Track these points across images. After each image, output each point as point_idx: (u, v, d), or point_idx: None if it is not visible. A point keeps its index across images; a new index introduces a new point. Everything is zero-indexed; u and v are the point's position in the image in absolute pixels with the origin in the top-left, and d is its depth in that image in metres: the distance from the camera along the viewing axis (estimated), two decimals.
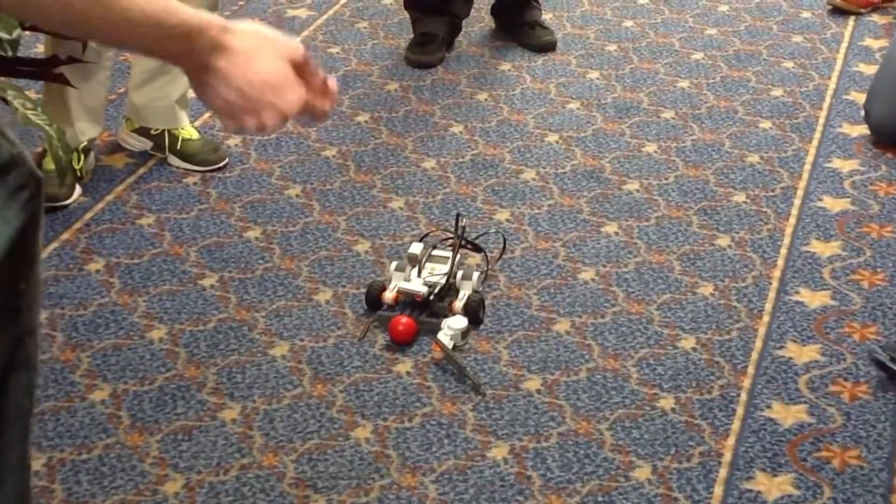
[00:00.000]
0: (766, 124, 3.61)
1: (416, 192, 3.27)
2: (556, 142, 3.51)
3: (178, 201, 3.23)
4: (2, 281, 1.38)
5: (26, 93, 2.46)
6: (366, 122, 3.60)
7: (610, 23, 4.18)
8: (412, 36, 4.00)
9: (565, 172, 3.36)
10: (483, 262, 2.95)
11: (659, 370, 2.65)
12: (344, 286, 2.91)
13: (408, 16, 4.06)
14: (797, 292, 2.89)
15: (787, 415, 2.53)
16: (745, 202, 3.23)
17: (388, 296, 2.80)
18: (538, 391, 2.59)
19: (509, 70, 3.82)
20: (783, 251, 3.04)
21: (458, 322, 2.70)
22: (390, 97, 3.73)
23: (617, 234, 3.11)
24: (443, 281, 2.81)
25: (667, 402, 2.56)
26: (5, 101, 2.22)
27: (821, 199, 3.24)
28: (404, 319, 2.72)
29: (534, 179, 3.33)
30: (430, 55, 3.91)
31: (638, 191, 3.28)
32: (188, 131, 3.38)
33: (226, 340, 2.73)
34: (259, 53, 1.38)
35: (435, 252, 2.90)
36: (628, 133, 3.55)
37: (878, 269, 2.97)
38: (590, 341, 2.74)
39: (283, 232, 3.11)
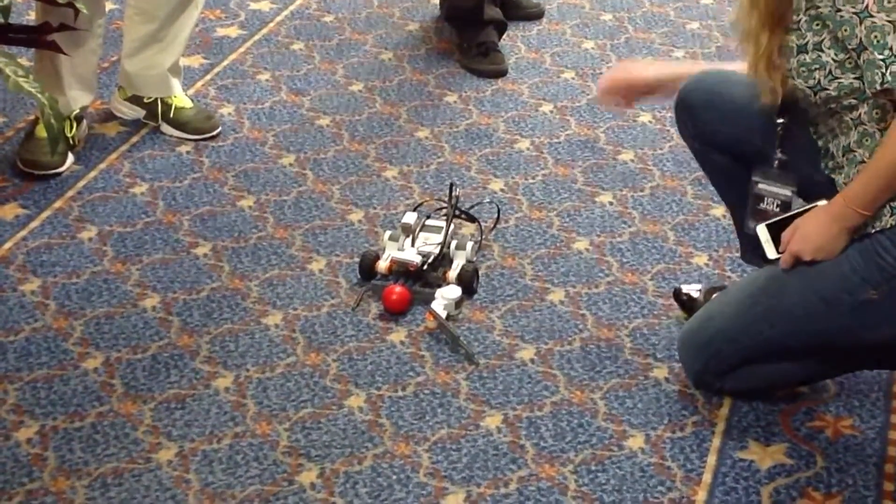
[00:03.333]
0: None
1: (410, 161, 3.26)
2: (551, 111, 3.50)
3: (171, 170, 3.22)
4: None
5: (18, 60, 2.45)
6: (360, 91, 3.58)
7: None
8: (409, 6, 3.97)
9: (560, 142, 3.35)
10: (477, 232, 2.95)
11: (653, 340, 2.65)
12: (337, 255, 2.91)
13: None
14: None
15: None
16: None
17: (382, 265, 2.79)
18: (532, 360, 2.59)
19: (504, 40, 3.80)
20: None
21: (452, 292, 2.70)
22: (384, 66, 3.71)
23: (611, 203, 3.10)
24: (437, 251, 2.80)
25: (660, 372, 2.56)
26: None
27: None
28: (398, 289, 2.71)
29: (528, 149, 3.32)
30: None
31: (632, 161, 3.27)
32: (181, 100, 3.36)
33: (219, 309, 2.73)
34: None
35: (429, 222, 2.89)
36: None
37: None
38: (584, 311, 2.74)
39: (276, 201, 3.10)
